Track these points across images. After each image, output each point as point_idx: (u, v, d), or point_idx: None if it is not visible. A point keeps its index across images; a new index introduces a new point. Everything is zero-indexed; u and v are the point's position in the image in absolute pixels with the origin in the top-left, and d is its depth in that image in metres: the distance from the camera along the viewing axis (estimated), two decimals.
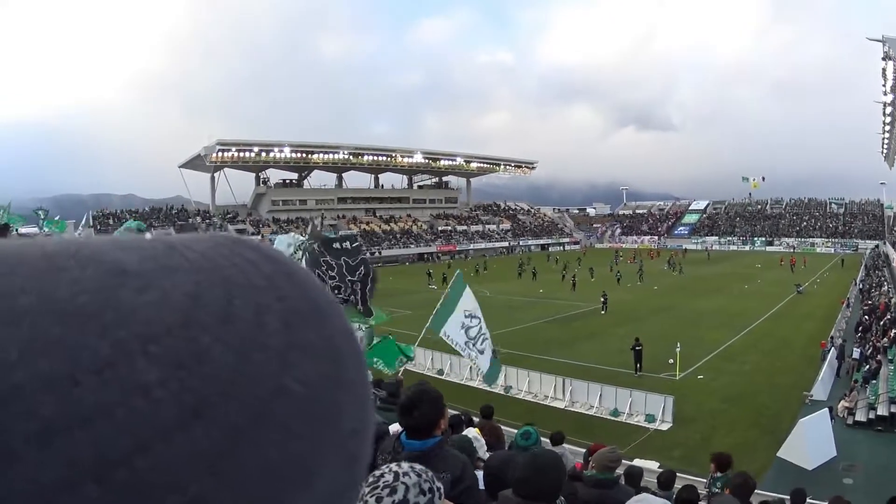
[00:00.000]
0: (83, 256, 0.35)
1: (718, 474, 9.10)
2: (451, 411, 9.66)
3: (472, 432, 6.93)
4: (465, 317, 13.91)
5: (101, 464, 0.28)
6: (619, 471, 7.66)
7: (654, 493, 6.56)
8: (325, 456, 0.37)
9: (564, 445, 11.21)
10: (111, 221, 75.89)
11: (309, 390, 0.36)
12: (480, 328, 14.16)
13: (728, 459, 9.39)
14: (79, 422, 0.28)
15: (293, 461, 0.34)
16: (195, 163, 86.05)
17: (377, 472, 2.17)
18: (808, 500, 9.74)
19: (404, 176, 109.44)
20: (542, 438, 8.29)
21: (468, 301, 14.12)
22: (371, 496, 2.07)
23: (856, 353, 24.39)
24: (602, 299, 39.45)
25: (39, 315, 0.30)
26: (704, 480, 10.64)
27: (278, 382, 0.35)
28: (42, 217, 43.02)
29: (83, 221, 73.24)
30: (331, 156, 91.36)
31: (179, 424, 0.30)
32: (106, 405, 0.29)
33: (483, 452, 6.25)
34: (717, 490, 8.45)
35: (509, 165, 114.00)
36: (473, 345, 14.01)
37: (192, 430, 0.31)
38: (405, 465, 2.24)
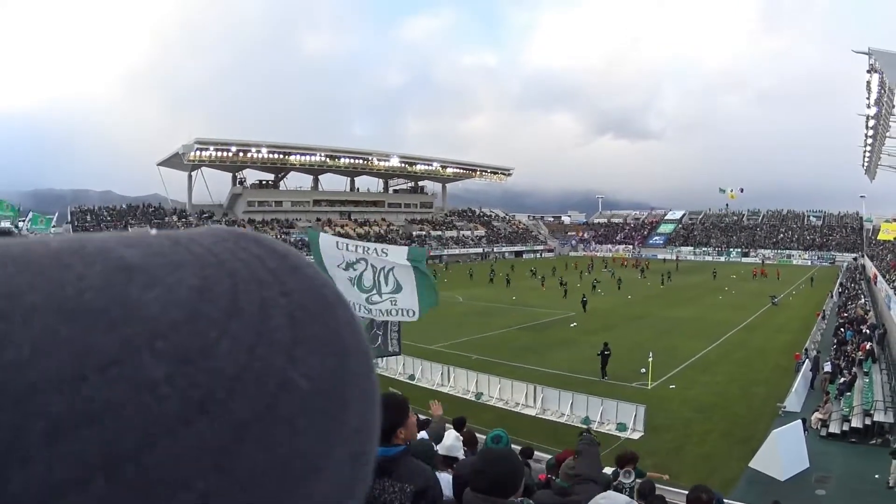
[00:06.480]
0: (88, 253, 0.34)
1: None
2: (422, 416, 9.45)
3: (452, 434, 6.86)
4: (342, 268, 10.51)
5: (109, 460, 0.28)
6: None
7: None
8: (330, 451, 0.36)
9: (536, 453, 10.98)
10: (89, 218, 75.59)
11: (314, 385, 0.36)
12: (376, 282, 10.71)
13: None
14: (87, 419, 0.28)
15: (299, 456, 0.34)
16: (173, 161, 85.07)
17: None
18: None
19: (380, 179, 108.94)
20: (514, 446, 8.04)
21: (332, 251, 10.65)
22: None
23: (827, 367, 24.37)
24: (582, 300, 41.84)
25: (47, 313, 0.30)
26: (676, 490, 10.42)
27: (284, 377, 0.35)
28: (11, 213, 41.77)
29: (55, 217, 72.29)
30: (307, 157, 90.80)
31: (185, 419, 0.30)
32: (113, 402, 0.29)
33: (461, 455, 6.43)
34: None
35: (485, 171, 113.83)
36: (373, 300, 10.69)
37: (198, 425, 0.31)
38: None
